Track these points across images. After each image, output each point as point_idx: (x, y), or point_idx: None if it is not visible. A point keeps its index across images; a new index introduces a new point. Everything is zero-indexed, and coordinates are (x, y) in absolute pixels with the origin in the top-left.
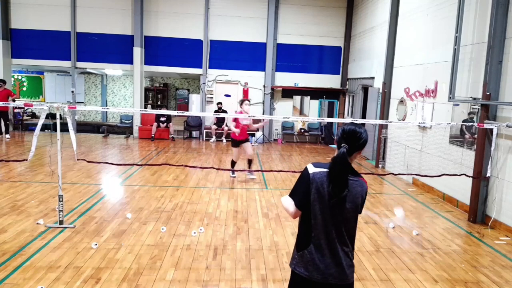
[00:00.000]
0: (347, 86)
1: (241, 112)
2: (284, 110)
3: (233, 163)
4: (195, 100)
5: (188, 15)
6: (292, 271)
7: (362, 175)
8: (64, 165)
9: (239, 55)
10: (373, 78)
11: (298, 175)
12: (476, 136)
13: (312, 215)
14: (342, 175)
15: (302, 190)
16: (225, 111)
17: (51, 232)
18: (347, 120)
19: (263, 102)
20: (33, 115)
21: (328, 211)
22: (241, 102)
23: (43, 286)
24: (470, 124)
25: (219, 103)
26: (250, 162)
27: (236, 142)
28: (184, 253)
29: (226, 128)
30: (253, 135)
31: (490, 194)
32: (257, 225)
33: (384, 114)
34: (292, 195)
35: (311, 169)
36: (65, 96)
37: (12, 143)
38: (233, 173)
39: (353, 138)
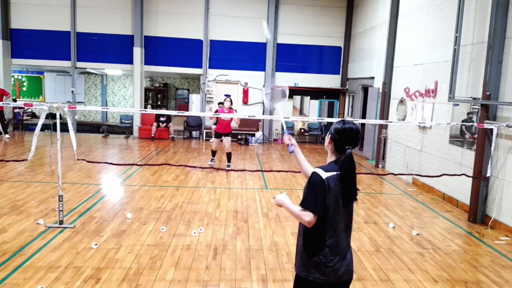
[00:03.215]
0: (347, 86)
1: (222, 109)
2: (284, 110)
3: (213, 152)
4: (195, 100)
5: (188, 15)
6: (304, 278)
7: (362, 175)
8: (64, 165)
9: (239, 55)
10: (373, 78)
11: (298, 175)
12: (476, 136)
13: (327, 219)
14: (354, 178)
15: (319, 198)
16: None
17: (51, 232)
18: (347, 120)
19: (263, 102)
20: (33, 115)
21: (341, 213)
22: (224, 99)
23: (43, 286)
24: (470, 124)
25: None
26: (228, 155)
27: (216, 134)
28: (184, 253)
29: None
30: (253, 135)
31: (490, 194)
32: (257, 225)
33: (384, 114)
34: (307, 204)
35: (324, 174)
36: (65, 96)
37: (12, 143)
38: (211, 160)
39: (355, 137)
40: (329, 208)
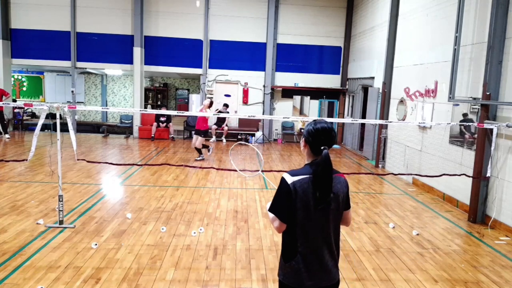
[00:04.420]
0: (347, 86)
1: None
2: (284, 110)
3: (204, 147)
4: (195, 100)
5: (188, 15)
6: (281, 282)
7: (362, 175)
8: (64, 165)
9: (239, 55)
10: (373, 78)
11: None
12: (475, 136)
13: (296, 224)
14: (328, 179)
15: (284, 203)
16: (227, 113)
17: (51, 232)
18: (347, 120)
19: (263, 102)
20: (33, 115)
21: (313, 217)
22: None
23: (43, 286)
24: (468, 124)
25: (225, 105)
26: (196, 149)
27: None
28: (184, 253)
29: (226, 128)
30: (253, 135)
31: (490, 194)
32: (257, 225)
33: (384, 114)
34: (273, 210)
35: (289, 179)
36: (65, 96)
37: (12, 143)
38: (209, 151)
39: (329, 136)
40: (298, 213)
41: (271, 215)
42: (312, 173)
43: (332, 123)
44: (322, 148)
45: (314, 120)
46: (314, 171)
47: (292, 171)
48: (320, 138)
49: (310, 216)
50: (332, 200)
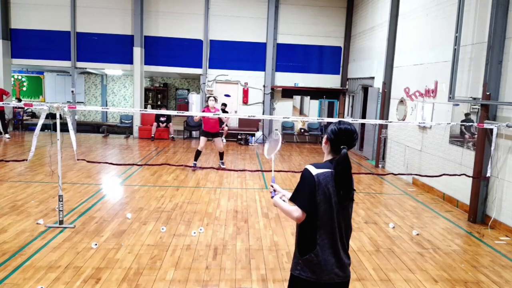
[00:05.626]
0: (347, 86)
1: (207, 108)
2: (284, 110)
3: (197, 153)
4: (195, 100)
5: (188, 15)
6: (296, 277)
7: (362, 175)
8: (64, 165)
9: (239, 55)
10: (373, 78)
11: (298, 175)
12: (475, 136)
13: (317, 216)
14: (349, 178)
15: (308, 193)
16: (226, 112)
17: (51, 232)
18: (347, 120)
19: (263, 102)
20: (33, 115)
21: (334, 211)
22: (207, 99)
23: (43, 286)
24: (469, 124)
25: (224, 104)
26: (221, 154)
27: (205, 133)
28: (184, 253)
29: (226, 128)
30: (253, 135)
31: (490, 194)
32: (257, 225)
33: (384, 114)
34: (295, 199)
35: (314, 171)
36: (65, 96)
37: (12, 143)
38: (195, 165)
39: (350, 138)
40: (319, 205)
41: (287, 205)
42: (333, 170)
43: (354, 125)
44: (341, 147)
45: (340, 121)
46: (335, 169)
47: (316, 164)
48: (342, 137)
49: (331, 210)
50: (351, 198)
